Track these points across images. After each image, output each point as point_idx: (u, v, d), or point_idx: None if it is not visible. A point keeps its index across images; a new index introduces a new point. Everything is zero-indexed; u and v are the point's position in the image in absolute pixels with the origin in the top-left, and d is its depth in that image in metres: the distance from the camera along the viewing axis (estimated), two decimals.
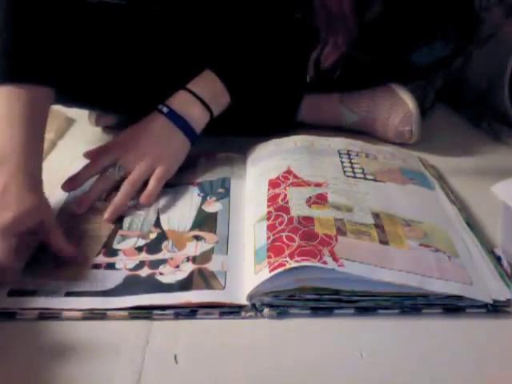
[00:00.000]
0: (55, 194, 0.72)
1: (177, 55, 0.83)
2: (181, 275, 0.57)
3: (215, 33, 0.80)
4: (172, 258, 0.59)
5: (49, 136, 0.91)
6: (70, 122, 0.99)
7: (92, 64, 0.82)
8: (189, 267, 0.58)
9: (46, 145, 0.88)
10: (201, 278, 0.56)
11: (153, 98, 0.85)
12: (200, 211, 0.68)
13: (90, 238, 0.63)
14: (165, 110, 0.73)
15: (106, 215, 0.66)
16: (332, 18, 0.71)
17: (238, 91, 0.76)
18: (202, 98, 0.74)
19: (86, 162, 0.82)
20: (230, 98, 0.76)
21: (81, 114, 0.97)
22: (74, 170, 0.78)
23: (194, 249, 0.61)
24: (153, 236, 0.64)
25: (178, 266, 0.58)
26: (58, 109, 0.95)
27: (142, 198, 0.68)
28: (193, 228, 0.65)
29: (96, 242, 0.62)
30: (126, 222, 0.66)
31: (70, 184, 0.70)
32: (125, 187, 0.68)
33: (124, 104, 0.88)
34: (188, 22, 0.82)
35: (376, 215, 0.62)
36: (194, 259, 0.59)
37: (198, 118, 0.74)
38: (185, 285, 0.55)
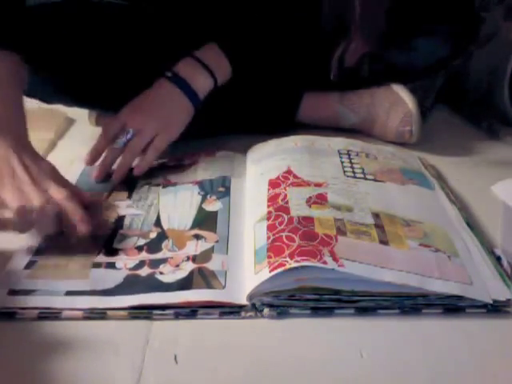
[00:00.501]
0: None
1: (177, 53, 0.83)
2: (181, 274, 0.56)
3: (215, 27, 0.80)
4: (172, 258, 0.59)
5: (49, 136, 0.92)
6: (70, 121, 0.99)
7: (93, 63, 0.82)
8: (189, 266, 0.58)
9: (46, 145, 0.89)
10: (201, 277, 0.56)
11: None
12: (200, 210, 0.68)
13: (90, 237, 0.63)
14: (169, 74, 0.76)
15: (114, 176, 0.73)
16: (364, 15, 0.72)
17: (239, 64, 0.78)
18: (206, 63, 0.76)
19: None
20: (232, 70, 0.78)
21: (81, 114, 0.97)
22: (74, 170, 0.79)
23: (194, 248, 0.61)
24: (153, 235, 0.64)
25: (178, 266, 0.58)
26: (57, 109, 0.95)
27: (136, 169, 0.73)
28: (193, 227, 0.65)
29: (96, 242, 0.62)
30: (127, 221, 0.66)
31: (91, 159, 0.76)
32: (127, 151, 0.73)
33: (124, 103, 0.88)
34: (189, 19, 0.82)
35: (376, 215, 0.62)
36: (194, 258, 0.59)
37: (201, 81, 0.76)
38: (185, 284, 0.55)
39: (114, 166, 0.75)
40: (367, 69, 0.79)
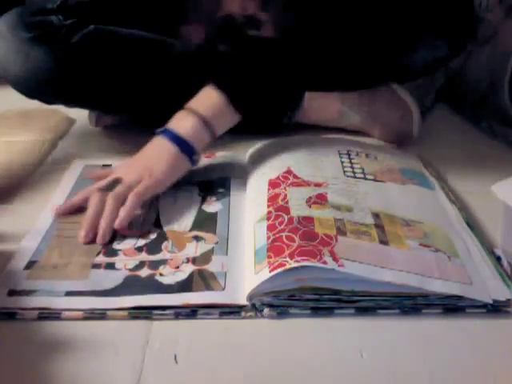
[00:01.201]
0: (55, 195, 0.72)
1: (179, 53, 0.83)
2: (181, 276, 0.56)
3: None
4: (172, 259, 0.59)
5: (49, 136, 0.92)
6: (70, 121, 0.99)
7: (96, 64, 0.82)
8: (189, 268, 0.58)
9: (46, 145, 0.89)
10: (201, 279, 0.56)
11: (154, 97, 0.85)
12: (200, 211, 0.68)
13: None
14: (159, 130, 0.70)
15: (99, 239, 0.62)
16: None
17: (242, 101, 0.71)
18: (198, 111, 0.69)
19: (85, 161, 0.82)
20: (238, 111, 0.70)
21: (81, 114, 0.97)
22: (74, 170, 0.79)
23: (193, 249, 0.61)
24: (153, 236, 0.63)
25: (177, 267, 0.58)
26: (58, 109, 0.95)
27: (116, 222, 0.63)
28: (193, 228, 0.64)
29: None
30: None
31: (62, 211, 0.68)
32: (109, 201, 0.64)
33: (124, 104, 0.88)
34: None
35: (376, 215, 0.62)
36: (193, 260, 0.59)
37: (193, 131, 0.69)
38: (185, 286, 0.55)
39: None
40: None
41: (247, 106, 0.71)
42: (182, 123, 0.69)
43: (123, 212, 0.64)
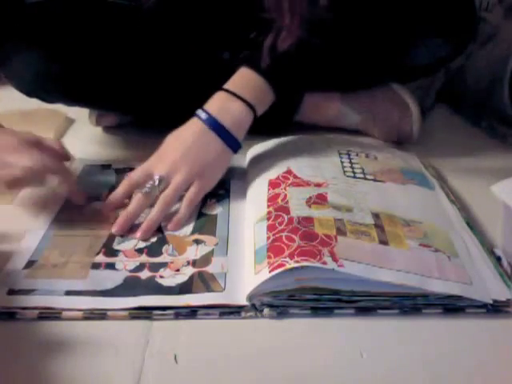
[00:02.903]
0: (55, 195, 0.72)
1: (182, 52, 0.83)
2: (181, 278, 0.56)
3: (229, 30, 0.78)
4: (172, 262, 0.59)
5: (49, 136, 0.91)
6: (70, 122, 0.99)
7: (97, 62, 0.81)
8: (189, 271, 0.58)
9: None
10: (201, 280, 0.56)
11: (156, 95, 0.85)
12: (200, 214, 0.68)
13: (90, 237, 0.63)
14: (203, 115, 0.67)
15: (140, 234, 0.63)
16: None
17: (281, 84, 0.69)
18: (244, 97, 0.67)
19: (85, 161, 0.82)
20: (275, 93, 0.69)
21: (81, 114, 0.97)
22: (73, 169, 0.78)
23: (194, 252, 0.61)
24: (153, 239, 0.63)
25: (178, 270, 0.58)
26: (58, 109, 0.95)
27: (170, 226, 0.64)
28: (193, 232, 0.64)
29: (96, 242, 0.62)
30: None
31: (110, 207, 0.67)
32: (159, 204, 0.64)
33: (127, 103, 0.88)
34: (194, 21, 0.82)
35: (376, 215, 0.62)
36: (194, 263, 0.59)
37: (239, 121, 0.67)
38: (185, 288, 0.55)
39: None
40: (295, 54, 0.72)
41: (284, 85, 0.70)
42: (227, 110, 0.67)
43: (177, 219, 0.64)
